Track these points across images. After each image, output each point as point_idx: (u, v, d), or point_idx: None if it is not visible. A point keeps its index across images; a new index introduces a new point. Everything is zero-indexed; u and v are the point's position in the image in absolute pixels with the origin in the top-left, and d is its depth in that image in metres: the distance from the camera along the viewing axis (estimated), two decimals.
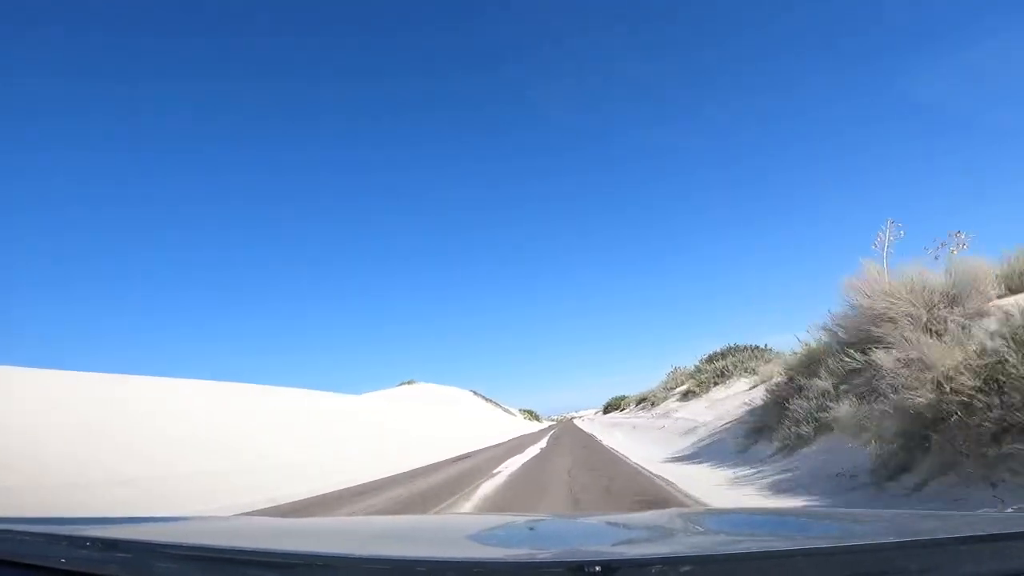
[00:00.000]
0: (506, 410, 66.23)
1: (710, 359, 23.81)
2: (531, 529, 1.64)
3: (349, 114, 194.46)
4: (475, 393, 63.78)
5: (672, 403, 23.01)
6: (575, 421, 70.32)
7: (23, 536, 1.11)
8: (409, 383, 58.49)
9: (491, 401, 65.03)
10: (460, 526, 1.90)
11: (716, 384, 20.08)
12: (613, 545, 1.37)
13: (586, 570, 0.75)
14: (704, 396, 19.67)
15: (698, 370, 23.70)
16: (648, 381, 41.40)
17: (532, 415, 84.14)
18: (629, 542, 1.41)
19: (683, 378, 25.79)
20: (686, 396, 21.94)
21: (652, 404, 27.85)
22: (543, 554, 1.14)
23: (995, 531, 0.96)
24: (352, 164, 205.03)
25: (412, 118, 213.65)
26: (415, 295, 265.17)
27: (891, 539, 1.02)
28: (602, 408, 58.29)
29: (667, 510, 3.70)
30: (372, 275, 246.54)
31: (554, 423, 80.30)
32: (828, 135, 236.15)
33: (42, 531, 1.18)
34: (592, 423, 47.37)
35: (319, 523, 2.61)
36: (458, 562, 1.02)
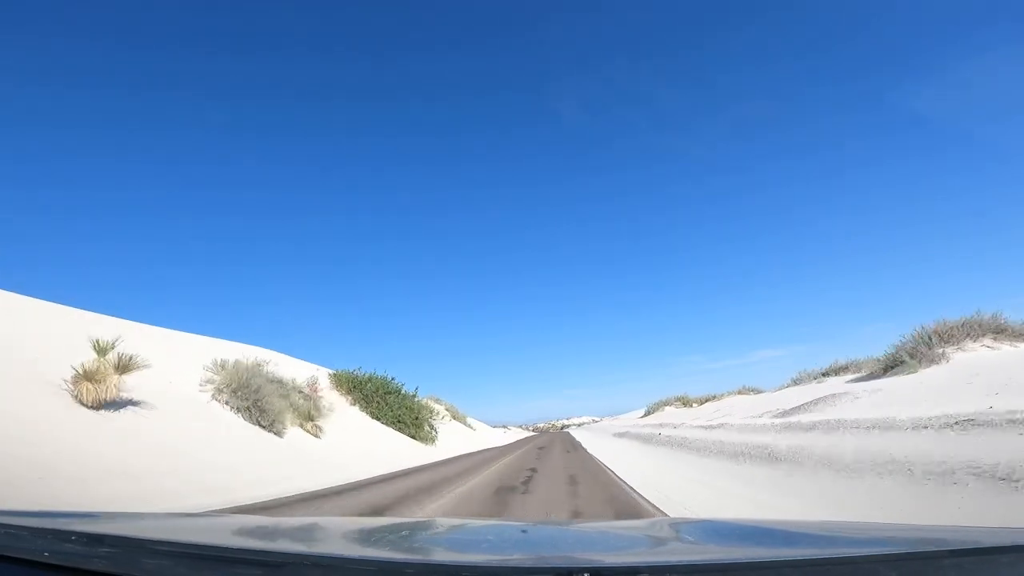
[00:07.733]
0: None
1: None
2: (521, 534, 1.64)
3: None
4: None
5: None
6: (571, 431, 50.45)
7: (6, 529, 1.09)
8: None
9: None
10: (450, 529, 1.89)
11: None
12: (602, 552, 1.37)
13: None
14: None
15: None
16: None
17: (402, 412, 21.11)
18: (618, 549, 1.42)
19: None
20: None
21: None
22: (531, 559, 1.15)
23: (979, 544, 0.98)
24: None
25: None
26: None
27: (875, 551, 1.04)
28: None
29: (656, 519, 3.71)
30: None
31: (533, 434, 52.83)
32: (828, 145, 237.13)
33: (26, 524, 1.16)
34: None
35: (307, 522, 2.58)
36: (447, 565, 1.03)
